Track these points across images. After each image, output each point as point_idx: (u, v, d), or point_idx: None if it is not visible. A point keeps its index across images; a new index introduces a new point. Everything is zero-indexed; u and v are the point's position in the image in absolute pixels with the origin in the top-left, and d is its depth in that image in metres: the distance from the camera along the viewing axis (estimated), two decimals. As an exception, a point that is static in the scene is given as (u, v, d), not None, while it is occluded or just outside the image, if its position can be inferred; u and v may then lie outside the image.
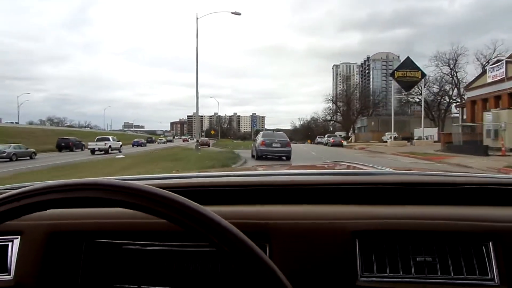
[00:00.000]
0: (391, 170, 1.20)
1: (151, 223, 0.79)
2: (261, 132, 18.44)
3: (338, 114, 76.33)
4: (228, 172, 1.19)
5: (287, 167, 1.82)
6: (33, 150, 28.00)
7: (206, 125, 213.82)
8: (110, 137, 34.89)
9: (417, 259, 0.73)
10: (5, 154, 24.28)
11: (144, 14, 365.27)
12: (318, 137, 60.45)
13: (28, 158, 26.16)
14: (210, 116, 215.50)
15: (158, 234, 0.82)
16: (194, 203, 0.43)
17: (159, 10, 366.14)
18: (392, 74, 39.49)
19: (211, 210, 0.42)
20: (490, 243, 0.73)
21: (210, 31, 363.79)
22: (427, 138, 36.61)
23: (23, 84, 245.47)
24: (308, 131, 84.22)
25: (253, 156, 17.05)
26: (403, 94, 42.79)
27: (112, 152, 31.11)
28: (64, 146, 35.34)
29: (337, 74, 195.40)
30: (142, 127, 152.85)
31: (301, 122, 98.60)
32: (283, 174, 1.14)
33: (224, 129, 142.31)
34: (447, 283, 0.71)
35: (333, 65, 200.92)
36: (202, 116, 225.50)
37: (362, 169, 1.41)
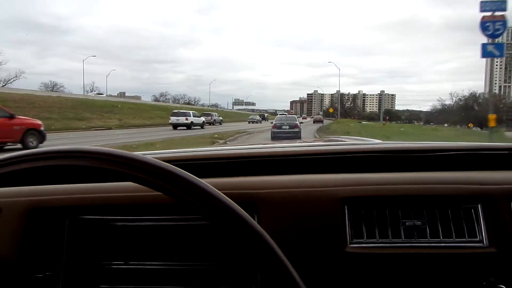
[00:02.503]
0: (378, 141, 1.19)
1: (138, 196, 0.79)
2: (276, 117, 22.79)
3: None
4: (216, 147, 1.22)
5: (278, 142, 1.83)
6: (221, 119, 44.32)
7: (326, 103, 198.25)
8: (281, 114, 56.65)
9: (407, 223, 0.73)
10: (212, 120, 38.30)
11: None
12: None
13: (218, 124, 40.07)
14: (332, 94, 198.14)
15: (145, 208, 0.81)
16: (185, 172, 0.42)
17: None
18: None
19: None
20: (479, 205, 0.74)
21: (334, 6, 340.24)
22: None
23: (164, 67, 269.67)
24: (465, 112, 62.04)
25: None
26: None
27: None
28: (262, 118, 61.60)
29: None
30: (253, 104, 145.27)
31: (454, 100, 74.90)
32: (271, 147, 1.12)
33: (347, 108, 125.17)
34: (436, 246, 0.71)
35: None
36: (322, 94, 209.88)
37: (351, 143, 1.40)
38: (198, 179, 0.43)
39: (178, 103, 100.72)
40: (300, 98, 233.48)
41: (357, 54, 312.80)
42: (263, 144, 1.26)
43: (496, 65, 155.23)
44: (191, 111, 32.39)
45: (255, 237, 0.41)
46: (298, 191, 0.78)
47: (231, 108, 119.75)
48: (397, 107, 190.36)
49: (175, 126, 29.30)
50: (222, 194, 0.42)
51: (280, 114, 24.61)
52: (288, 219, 0.74)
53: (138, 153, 0.47)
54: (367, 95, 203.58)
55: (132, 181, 0.42)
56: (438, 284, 0.71)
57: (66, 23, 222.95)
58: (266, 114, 74.43)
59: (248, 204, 0.76)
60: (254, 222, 0.42)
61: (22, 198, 0.82)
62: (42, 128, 13.48)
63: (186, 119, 29.50)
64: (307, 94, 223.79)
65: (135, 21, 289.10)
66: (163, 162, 0.43)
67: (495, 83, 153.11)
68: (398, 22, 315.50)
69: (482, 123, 48.55)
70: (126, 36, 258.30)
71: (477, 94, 63.81)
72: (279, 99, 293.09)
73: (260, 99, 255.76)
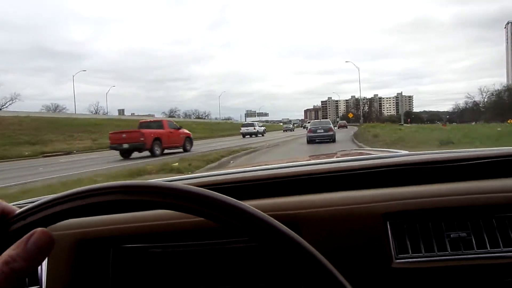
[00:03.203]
0: (405, 152, 1.17)
1: (177, 223, 0.80)
2: (311, 121, 24.94)
3: None
4: (250, 168, 1.19)
5: (307, 157, 1.85)
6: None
7: (342, 109, 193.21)
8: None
9: (452, 235, 0.72)
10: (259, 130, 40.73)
11: (273, 6, 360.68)
12: None
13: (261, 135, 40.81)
14: (346, 100, 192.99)
15: (185, 234, 0.82)
16: (231, 198, 0.42)
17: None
18: None
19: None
20: None
21: (343, 12, 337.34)
22: None
23: (178, 84, 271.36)
24: (500, 107, 56.07)
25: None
26: None
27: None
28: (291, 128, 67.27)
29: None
30: (266, 115, 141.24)
31: (485, 95, 68.34)
32: (307, 165, 1.12)
33: (365, 113, 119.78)
34: (484, 257, 0.70)
35: (507, 23, 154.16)
36: (337, 101, 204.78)
37: (375, 154, 1.38)
38: (242, 203, 0.43)
39: (190, 118, 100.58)
40: (314, 106, 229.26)
41: (368, 58, 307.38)
42: (297, 162, 1.26)
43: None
44: (256, 122, 43.64)
45: (307, 257, 0.41)
46: (339, 209, 0.77)
47: (244, 121, 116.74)
48: (414, 109, 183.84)
49: (244, 134, 38.18)
50: (268, 216, 0.42)
51: (314, 120, 28.75)
52: (331, 238, 0.74)
53: (173, 181, 0.48)
54: (383, 98, 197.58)
55: (172, 210, 0.42)
56: None
57: (81, 48, 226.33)
58: (292, 124, 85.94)
59: (289, 225, 0.75)
60: (305, 242, 0.42)
61: (69, 231, 0.85)
62: (191, 136, 19.21)
63: (254, 129, 39.41)
64: (321, 102, 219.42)
65: (147, 42, 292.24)
66: (203, 189, 0.43)
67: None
68: (408, 23, 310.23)
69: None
70: (139, 57, 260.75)
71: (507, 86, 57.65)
72: (292, 109, 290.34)
73: (273, 110, 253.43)
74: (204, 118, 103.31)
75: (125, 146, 15.53)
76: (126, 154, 15.97)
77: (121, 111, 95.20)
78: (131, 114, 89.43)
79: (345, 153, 1.89)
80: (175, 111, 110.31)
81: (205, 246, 0.84)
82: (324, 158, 1.35)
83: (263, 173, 0.97)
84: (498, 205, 0.73)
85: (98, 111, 78.29)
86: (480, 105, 70.66)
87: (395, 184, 0.84)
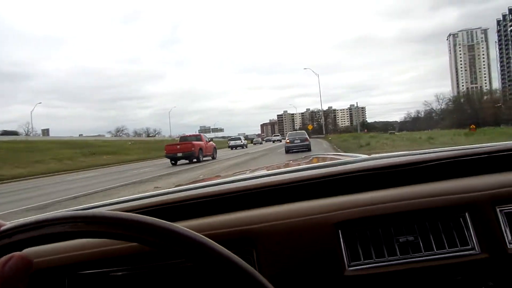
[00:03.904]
0: (365, 156, 1.22)
1: (135, 245, 0.79)
2: (288, 133, 26.82)
3: None
4: (205, 183, 1.18)
5: (264, 169, 1.87)
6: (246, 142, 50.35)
7: (298, 122, 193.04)
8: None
9: (400, 240, 0.75)
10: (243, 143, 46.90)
11: (226, 24, 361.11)
12: None
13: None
14: (302, 113, 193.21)
15: (145, 256, 0.80)
16: (160, 220, 0.41)
17: (239, 18, 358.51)
18: None
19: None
20: (467, 213, 0.76)
21: (293, 32, 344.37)
22: None
23: (131, 103, 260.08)
24: (459, 113, 55.15)
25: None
26: None
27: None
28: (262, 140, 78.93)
29: (455, 45, 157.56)
30: (222, 130, 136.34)
31: (442, 102, 68.26)
32: (260, 177, 1.13)
33: (321, 124, 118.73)
34: (431, 259, 0.73)
35: (449, 35, 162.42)
36: (293, 114, 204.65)
37: (337, 159, 1.43)
38: (172, 223, 0.41)
39: (140, 136, 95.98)
40: (270, 120, 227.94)
41: (320, 72, 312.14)
42: (249, 175, 1.27)
43: (461, 67, 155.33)
44: (241, 137, 51.15)
45: (243, 275, 0.39)
46: (292, 221, 0.78)
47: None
48: (367, 120, 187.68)
49: (232, 147, 43.51)
50: (198, 234, 0.40)
51: (290, 132, 30.36)
52: (285, 250, 0.75)
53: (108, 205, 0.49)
54: (337, 110, 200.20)
55: (104, 238, 0.41)
56: None
57: (25, 69, 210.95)
58: (261, 138, 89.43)
59: (245, 240, 0.77)
60: (238, 258, 0.40)
61: None
62: (216, 147, 24.62)
63: (241, 142, 45.60)
64: (277, 116, 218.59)
65: (98, 62, 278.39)
66: (131, 214, 0.41)
67: (462, 85, 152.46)
68: (356, 39, 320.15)
69: (481, 123, 40.95)
70: (89, 76, 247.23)
71: (473, 93, 57.37)
72: (249, 124, 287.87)
73: (230, 125, 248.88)
74: (155, 136, 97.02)
75: (179, 155, 19.70)
76: (175, 162, 20.00)
77: (45, 131, 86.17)
78: (79, 135, 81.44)
79: (310, 159, 1.98)
80: (122, 130, 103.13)
81: (170, 266, 0.81)
82: (282, 168, 1.34)
83: (215, 189, 0.96)
84: (442, 207, 0.76)
85: (29, 133, 69.50)
86: (434, 113, 70.87)
87: (347, 191, 0.86)
